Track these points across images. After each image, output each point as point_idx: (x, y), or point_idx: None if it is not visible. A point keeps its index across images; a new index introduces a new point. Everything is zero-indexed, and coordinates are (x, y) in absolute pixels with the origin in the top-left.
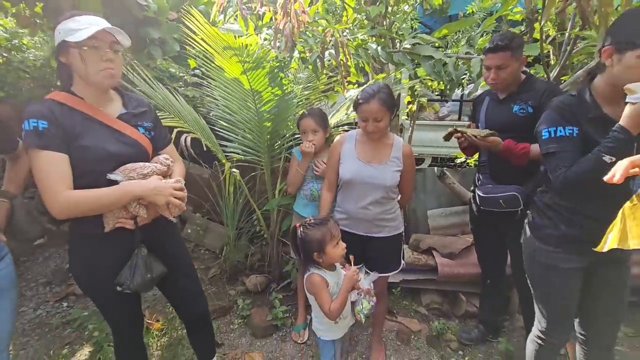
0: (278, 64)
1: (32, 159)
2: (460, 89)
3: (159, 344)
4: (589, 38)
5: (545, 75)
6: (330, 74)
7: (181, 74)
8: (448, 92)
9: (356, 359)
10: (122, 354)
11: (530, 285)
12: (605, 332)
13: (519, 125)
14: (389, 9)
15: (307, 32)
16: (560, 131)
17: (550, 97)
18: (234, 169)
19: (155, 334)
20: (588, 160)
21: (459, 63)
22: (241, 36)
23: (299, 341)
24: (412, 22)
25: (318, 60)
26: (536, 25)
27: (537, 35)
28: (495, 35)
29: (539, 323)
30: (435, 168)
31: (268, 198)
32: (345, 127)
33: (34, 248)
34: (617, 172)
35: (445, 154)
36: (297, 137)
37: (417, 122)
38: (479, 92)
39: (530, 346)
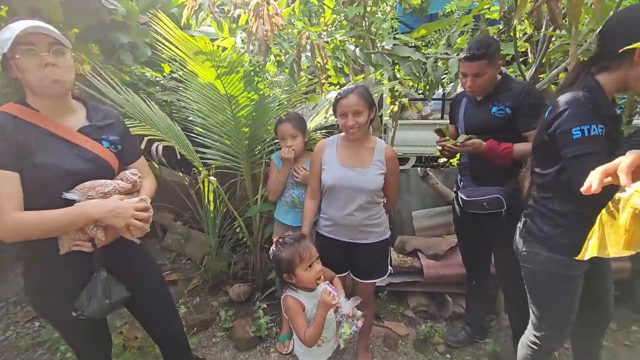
0: (252, 67)
1: None
2: (441, 88)
3: None
4: (564, 37)
5: (521, 74)
6: (310, 76)
7: (158, 79)
8: (428, 92)
9: None
10: None
11: (530, 295)
12: (596, 321)
13: (498, 126)
14: (368, 9)
15: (282, 35)
16: (594, 130)
17: (527, 97)
18: (211, 177)
19: (134, 352)
20: None
21: (438, 63)
22: (216, 40)
23: (284, 352)
24: (392, 21)
25: (294, 64)
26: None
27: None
28: (471, 41)
29: (535, 330)
30: (419, 169)
31: (250, 204)
32: (324, 132)
33: (4, 264)
34: (593, 183)
35: (430, 152)
36: (278, 142)
37: (400, 121)
38: (459, 91)
39: (524, 351)
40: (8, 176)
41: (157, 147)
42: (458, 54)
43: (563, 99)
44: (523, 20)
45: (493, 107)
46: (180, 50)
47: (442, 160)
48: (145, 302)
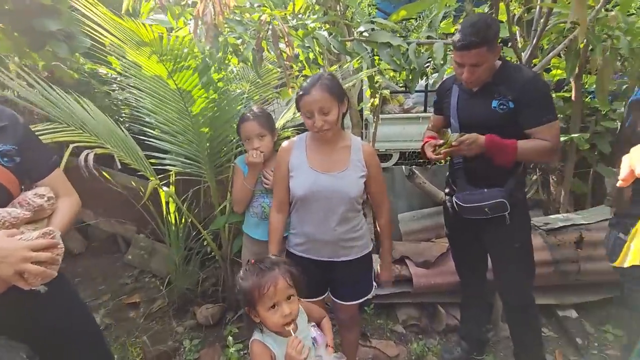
0: (204, 57)
1: None
2: (424, 78)
3: None
4: (559, 15)
5: (517, 59)
6: (279, 69)
7: (114, 76)
8: (410, 83)
9: None
10: None
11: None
12: None
13: (499, 123)
14: None
15: (236, 18)
16: None
17: (532, 89)
18: (165, 187)
19: None
20: None
21: (421, 50)
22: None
23: None
24: (370, 8)
25: (255, 53)
26: (501, 5)
27: (502, 16)
28: (465, 24)
29: None
30: (404, 167)
31: (216, 215)
32: (295, 129)
33: None
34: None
35: (414, 148)
36: None
37: (381, 116)
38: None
39: None
40: None
41: (87, 156)
42: (442, 39)
43: None
44: (511, 0)
45: (493, 100)
46: (117, 37)
47: None
48: (65, 353)
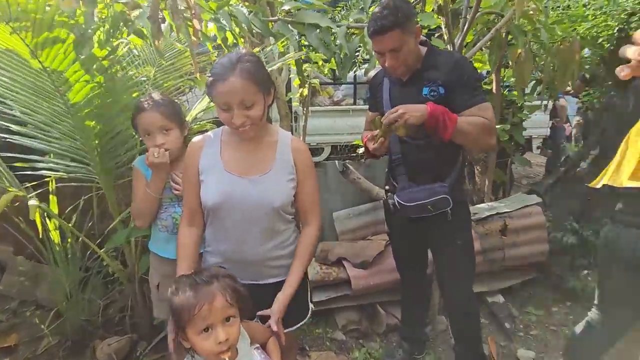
0: (75, 23)
1: None
2: (354, 69)
3: None
4: (485, 5)
5: (450, 47)
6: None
7: None
8: (341, 72)
9: None
10: None
11: None
12: None
13: None
14: None
15: None
16: None
17: (461, 71)
18: (32, 201)
19: None
20: None
21: (351, 35)
22: None
23: None
24: None
25: (152, 23)
26: None
27: (429, 7)
28: (375, 11)
29: None
30: (337, 162)
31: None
32: (207, 123)
33: None
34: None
35: (347, 141)
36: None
37: (311, 108)
38: (375, 70)
39: None
40: None
41: None
42: None
43: None
44: None
45: (424, 88)
46: None
47: (362, 150)
48: None
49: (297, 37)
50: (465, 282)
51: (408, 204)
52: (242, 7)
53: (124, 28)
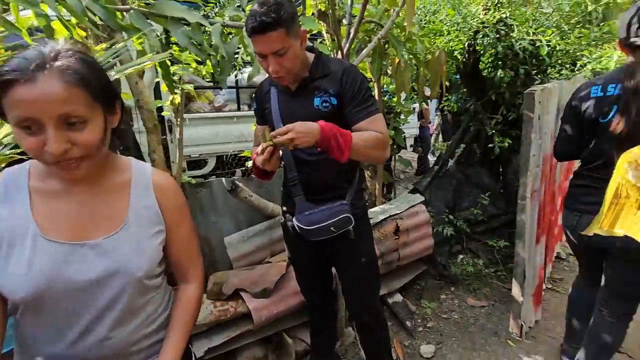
0: None
1: None
2: (236, 71)
3: None
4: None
5: (339, 54)
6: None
7: None
8: (219, 76)
9: None
10: None
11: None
12: None
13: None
14: None
15: None
16: None
17: (352, 80)
18: None
19: None
20: None
21: (228, 35)
22: None
23: None
24: None
25: None
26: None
27: (308, 12)
28: (254, 7)
29: None
30: (224, 179)
31: None
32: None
33: None
34: None
35: (233, 151)
36: None
37: (188, 115)
38: (260, 77)
39: None
40: None
41: None
42: None
43: None
44: None
45: (315, 98)
46: None
47: (250, 163)
48: None
49: (159, 34)
50: (372, 297)
51: (309, 228)
52: None
53: None
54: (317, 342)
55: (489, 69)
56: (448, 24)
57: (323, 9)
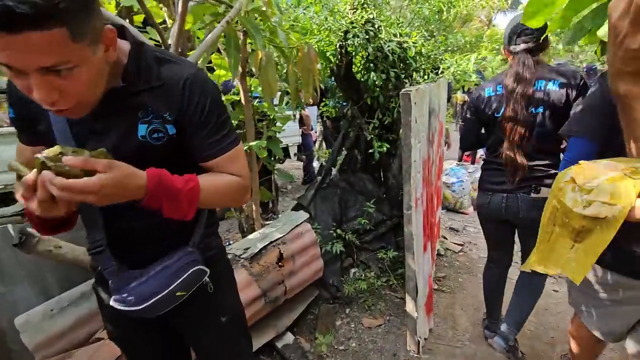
0: None
1: None
2: None
3: None
4: None
5: (162, 45)
6: None
7: None
8: None
9: None
10: None
11: None
12: None
13: (157, 161)
14: None
15: None
16: None
17: (196, 97)
18: None
19: None
20: None
21: None
22: None
23: None
24: None
25: None
26: None
27: None
28: None
29: None
30: (10, 227)
31: None
32: None
33: None
34: None
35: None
36: None
37: None
38: None
39: None
40: None
41: None
42: None
43: None
44: None
45: (140, 125)
46: None
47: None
48: None
49: None
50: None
51: (140, 308)
52: None
53: None
54: None
55: (362, 72)
56: (317, 22)
57: None
